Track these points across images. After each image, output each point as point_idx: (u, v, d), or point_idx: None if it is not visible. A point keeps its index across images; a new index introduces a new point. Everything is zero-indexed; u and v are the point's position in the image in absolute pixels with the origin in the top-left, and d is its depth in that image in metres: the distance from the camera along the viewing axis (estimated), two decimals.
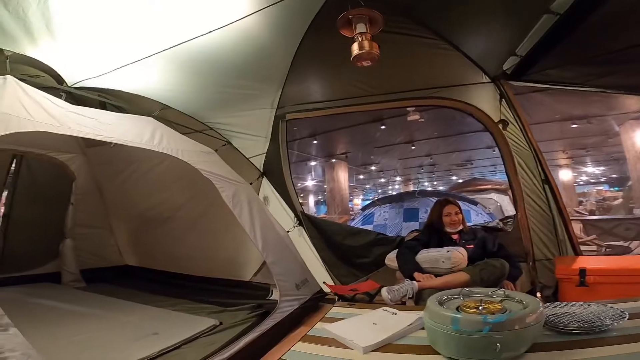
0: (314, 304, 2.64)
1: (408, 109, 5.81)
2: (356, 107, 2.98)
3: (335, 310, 1.40)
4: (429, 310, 1.03)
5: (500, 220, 2.73)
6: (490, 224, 2.74)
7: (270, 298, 2.71)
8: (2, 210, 3.22)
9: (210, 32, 1.84)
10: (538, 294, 2.41)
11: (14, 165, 3.19)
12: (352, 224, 5.43)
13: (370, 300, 2.34)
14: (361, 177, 15.42)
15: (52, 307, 2.42)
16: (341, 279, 2.97)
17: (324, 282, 2.71)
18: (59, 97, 1.84)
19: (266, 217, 2.51)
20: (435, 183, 18.34)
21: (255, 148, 3.10)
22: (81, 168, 3.28)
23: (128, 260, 3.61)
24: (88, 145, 3.23)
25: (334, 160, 10.71)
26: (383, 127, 7.14)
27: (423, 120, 6.59)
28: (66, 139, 3.08)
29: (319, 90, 3.00)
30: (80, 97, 2.18)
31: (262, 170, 3.17)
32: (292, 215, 3.14)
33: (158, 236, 3.35)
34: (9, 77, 1.49)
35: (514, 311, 0.95)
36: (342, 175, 10.95)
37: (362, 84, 2.71)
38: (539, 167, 2.59)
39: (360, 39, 1.67)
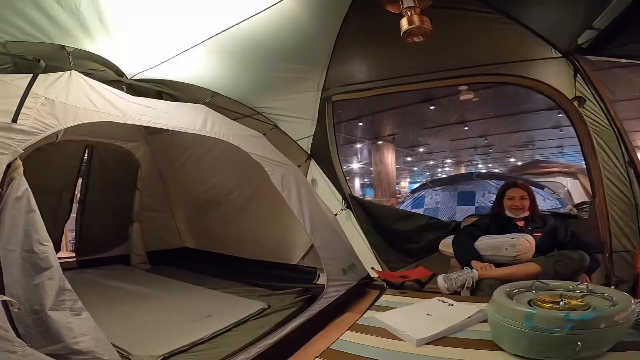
0: (361, 290, 2.62)
1: (460, 87, 5.48)
2: (405, 87, 2.82)
3: (386, 299, 1.35)
4: (495, 304, 0.94)
5: (574, 206, 2.45)
6: (562, 210, 2.47)
7: (317, 282, 2.74)
8: (79, 196, 3.53)
9: (250, 17, 1.83)
10: (612, 289, 2.15)
11: (86, 155, 3.48)
12: (401, 207, 5.27)
13: (421, 288, 2.25)
14: (409, 159, 14.93)
15: (120, 288, 2.65)
16: (390, 265, 2.90)
17: (372, 268, 2.66)
18: (121, 89, 1.95)
19: (314, 200, 2.51)
20: (490, 165, 17.20)
21: (303, 131, 3.09)
22: (144, 155, 3.51)
23: (186, 242, 3.85)
24: (149, 134, 3.45)
25: (380, 142, 10.45)
26: (432, 107, 6.77)
27: (477, 99, 6.14)
28: (130, 129, 3.29)
29: (365, 70, 2.89)
30: (139, 88, 2.31)
31: (309, 153, 3.16)
32: (340, 198, 3.10)
33: (212, 219, 3.52)
34: (73, 72, 1.58)
35: (601, 308, 0.84)
36: (389, 158, 10.65)
37: (411, 62, 2.57)
38: (622, 148, 2.27)
39: (409, 14, 1.55)
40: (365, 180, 18.78)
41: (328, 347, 0.98)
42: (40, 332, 1.15)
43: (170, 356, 1.56)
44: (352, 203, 3.08)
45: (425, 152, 13.30)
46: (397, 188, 12.66)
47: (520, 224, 1.98)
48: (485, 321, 1.06)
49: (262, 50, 2.24)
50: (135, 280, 2.85)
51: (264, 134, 2.60)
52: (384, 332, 1.06)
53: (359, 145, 11.14)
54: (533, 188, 2.27)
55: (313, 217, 2.34)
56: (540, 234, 1.89)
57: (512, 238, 1.77)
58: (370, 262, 2.85)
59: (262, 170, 2.23)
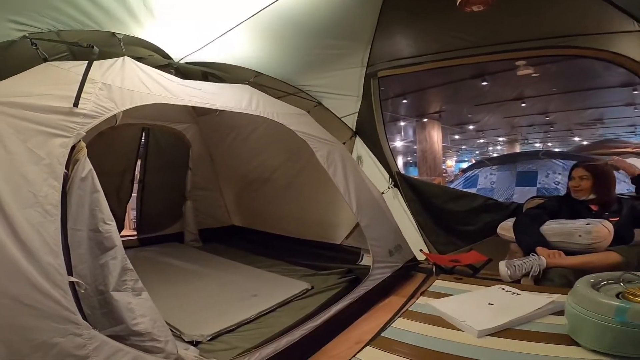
0: (406, 273, 2.55)
1: (517, 62, 5.07)
2: (457, 61, 2.61)
3: (439, 284, 1.26)
4: (578, 295, 0.84)
5: None
6: None
7: (360, 263, 2.72)
8: (138, 177, 3.75)
9: None
10: None
11: (143, 137, 3.66)
12: (451, 187, 5.01)
13: (474, 274, 2.13)
14: (456, 137, 14.16)
15: (175, 266, 2.81)
16: (438, 248, 2.77)
17: (421, 250, 2.56)
18: (170, 73, 1.99)
19: (360, 178, 2.45)
20: (550, 144, 15.82)
21: (347, 107, 3.01)
22: (195, 136, 3.65)
23: (234, 220, 3.99)
24: (198, 115, 3.57)
25: (425, 120, 9.99)
26: (485, 83, 6.29)
27: (537, 74, 5.61)
28: (181, 111, 3.45)
29: (412, 44, 2.71)
30: (186, 71, 2.35)
31: (354, 130, 3.08)
32: (387, 175, 3.00)
33: (258, 198, 3.60)
34: (126, 57, 1.64)
35: None
36: (435, 135, 10.19)
37: (464, 35, 2.36)
38: None
39: None
40: (409, 158, 18.25)
41: (379, 335, 0.93)
42: (104, 313, 1.20)
43: (218, 335, 1.63)
44: (400, 181, 2.97)
45: (475, 130, 12.51)
46: (442, 167, 12.14)
47: (595, 208, 1.76)
48: (556, 313, 0.96)
49: (302, 27, 2.18)
50: (188, 258, 3.00)
51: (308, 112, 2.56)
52: (439, 321, 0.99)
53: (402, 123, 10.75)
54: None
55: (359, 195, 2.29)
56: (617, 219, 1.66)
57: (588, 224, 1.56)
58: (417, 244, 2.76)
59: (307, 148, 2.20)
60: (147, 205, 3.70)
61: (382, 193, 2.77)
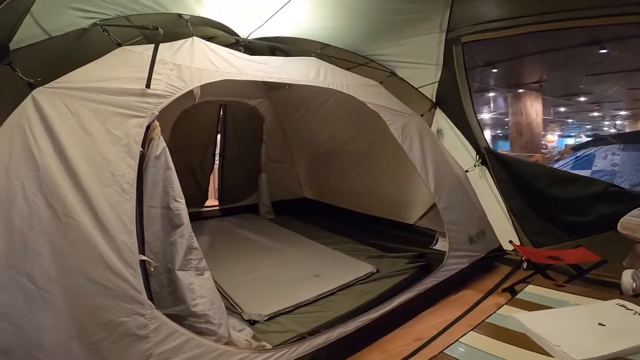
0: (487, 264, 2.26)
1: None
2: (568, 23, 2.13)
3: (532, 290, 1.01)
4: None
5: None
6: None
7: (434, 247, 2.50)
8: (219, 150, 3.97)
9: None
10: None
11: (221, 113, 3.85)
12: (557, 167, 4.25)
13: (579, 276, 1.76)
14: (561, 110, 12.06)
15: (247, 238, 2.94)
16: (533, 239, 2.36)
17: (510, 242, 2.21)
18: (239, 51, 2.00)
19: (440, 153, 2.22)
20: None
21: (425, 77, 2.70)
22: (268, 110, 3.75)
23: (306, 193, 4.04)
24: (269, 90, 3.63)
25: (521, 91, 8.67)
26: (604, 50, 5.11)
27: None
28: (254, 87, 3.54)
29: (504, 4, 2.26)
30: (253, 47, 2.35)
31: (434, 101, 2.76)
32: (473, 152, 2.65)
33: (329, 171, 3.58)
34: (195, 37, 1.67)
35: None
36: (533, 108, 8.81)
37: None
38: None
39: None
40: (498, 131, 16.31)
41: (441, 351, 0.77)
42: (170, 292, 1.25)
43: (275, 316, 1.64)
44: (489, 158, 2.57)
45: (587, 102, 10.48)
46: (542, 142, 10.51)
47: None
48: None
49: None
50: (260, 230, 3.12)
51: (381, 82, 2.37)
52: (524, 341, 0.79)
53: (491, 94, 9.53)
54: None
55: (438, 173, 2.07)
56: None
57: None
58: (505, 232, 2.42)
59: (380, 121, 2.04)
60: (227, 178, 3.94)
61: (467, 171, 2.47)
